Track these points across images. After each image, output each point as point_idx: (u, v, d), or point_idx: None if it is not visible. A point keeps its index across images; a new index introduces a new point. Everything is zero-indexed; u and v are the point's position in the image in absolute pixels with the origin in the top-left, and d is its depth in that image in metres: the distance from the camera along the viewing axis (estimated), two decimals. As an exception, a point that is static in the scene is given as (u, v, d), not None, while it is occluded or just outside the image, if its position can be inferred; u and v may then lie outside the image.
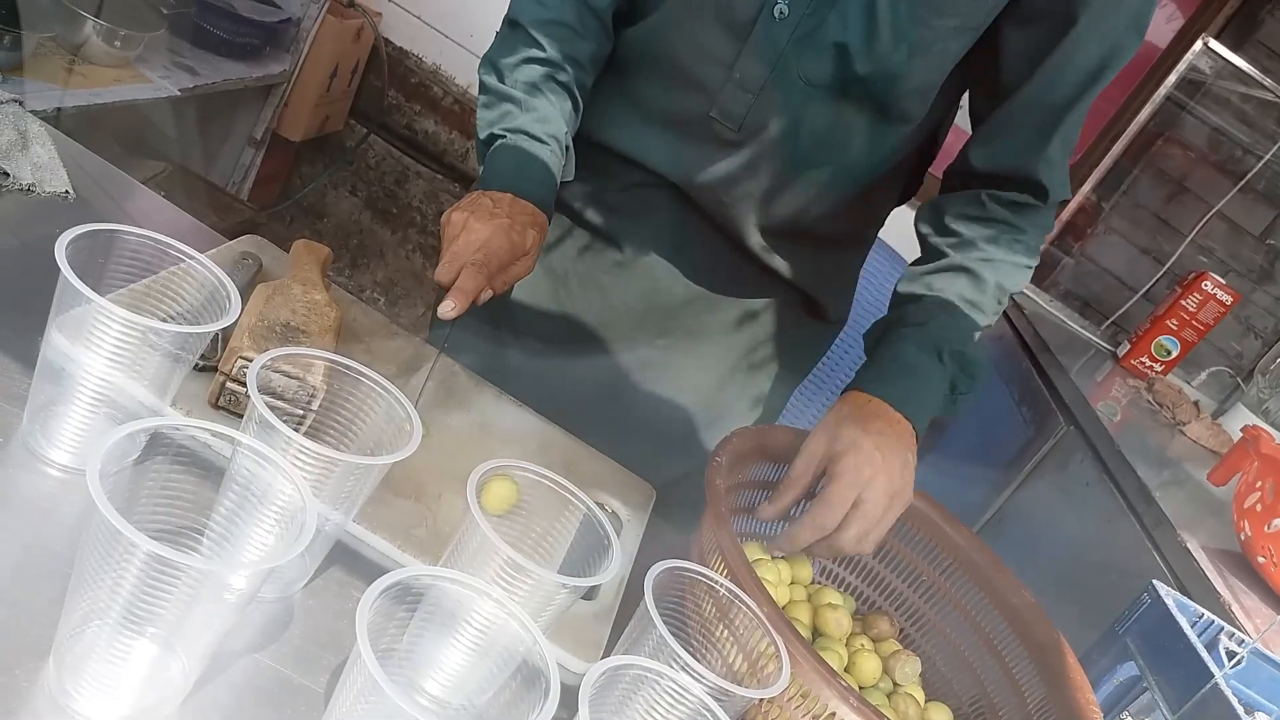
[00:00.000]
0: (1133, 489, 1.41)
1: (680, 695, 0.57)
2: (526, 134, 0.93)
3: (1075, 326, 2.37)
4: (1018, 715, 0.84)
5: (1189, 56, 2.19)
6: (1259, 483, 1.24)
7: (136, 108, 1.86)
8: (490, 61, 0.96)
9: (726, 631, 0.69)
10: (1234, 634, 0.82)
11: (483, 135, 0.95)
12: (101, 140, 1.75)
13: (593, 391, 1.10)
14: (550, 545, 0.70)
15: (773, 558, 0.86)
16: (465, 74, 2.72)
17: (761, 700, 0.68)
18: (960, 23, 0.89)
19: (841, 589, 0.97)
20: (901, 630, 0.96)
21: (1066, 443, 1.64)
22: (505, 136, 0.93)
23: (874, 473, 0.81)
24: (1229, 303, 1.99)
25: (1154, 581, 0.82)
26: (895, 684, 0.87)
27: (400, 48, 2.72)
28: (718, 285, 1.09)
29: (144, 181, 2.04)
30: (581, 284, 1.10)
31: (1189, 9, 2.54)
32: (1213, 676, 0.76)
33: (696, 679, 0.57)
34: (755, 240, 1.05)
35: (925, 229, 1.01)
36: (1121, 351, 2.14)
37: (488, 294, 0.82)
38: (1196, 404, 1.86)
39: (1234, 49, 2.35)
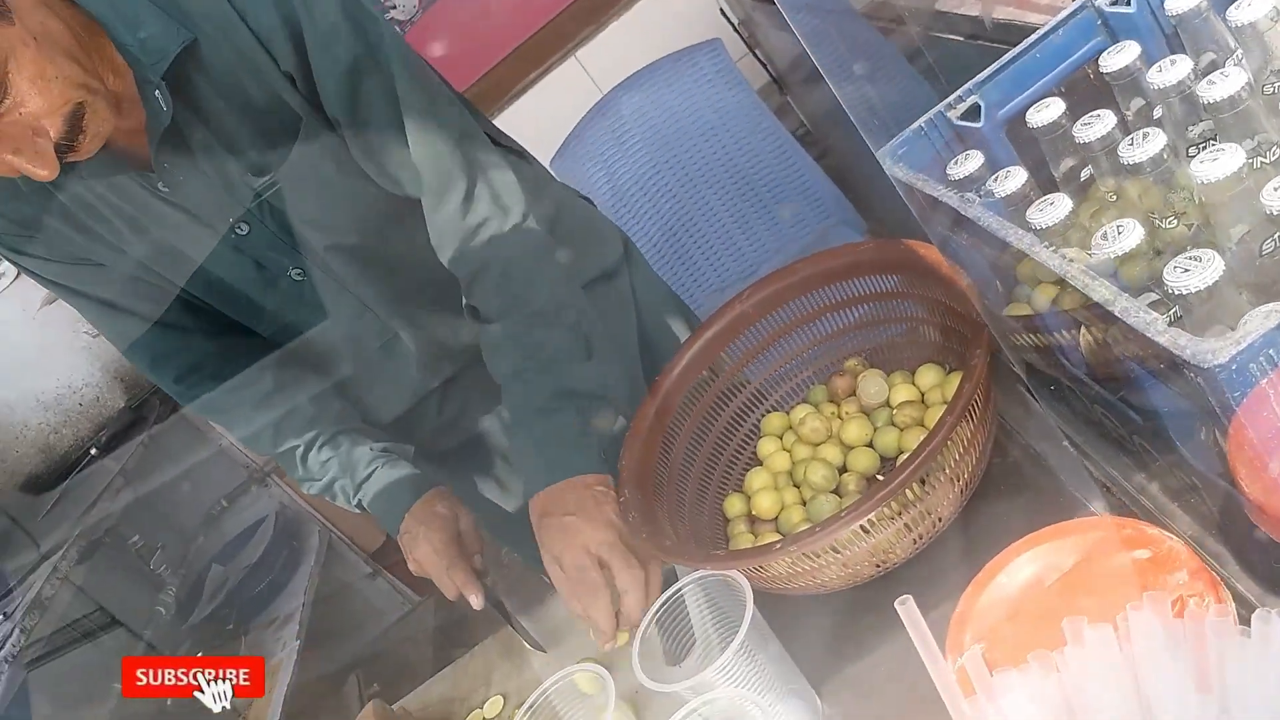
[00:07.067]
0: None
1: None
2: (365, 479, 1.18)
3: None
4: (949, 319, 0.97)
5: None
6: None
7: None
8: (301, 480, 1.23)
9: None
10: (956, 98, 0.91)
11: (355, 510, 1.21)
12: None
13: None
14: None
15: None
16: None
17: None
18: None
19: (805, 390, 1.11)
20: (864, 362, 1.08)
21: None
22: (360, 496, 1.19)
23: (563, 546, 0.96)
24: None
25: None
26: (874, 407, 1.00)
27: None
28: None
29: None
30: (477, 471, 1.38)
31: None
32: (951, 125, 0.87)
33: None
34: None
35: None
36: None
37: (478, 560, 1.11)
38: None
39: None
